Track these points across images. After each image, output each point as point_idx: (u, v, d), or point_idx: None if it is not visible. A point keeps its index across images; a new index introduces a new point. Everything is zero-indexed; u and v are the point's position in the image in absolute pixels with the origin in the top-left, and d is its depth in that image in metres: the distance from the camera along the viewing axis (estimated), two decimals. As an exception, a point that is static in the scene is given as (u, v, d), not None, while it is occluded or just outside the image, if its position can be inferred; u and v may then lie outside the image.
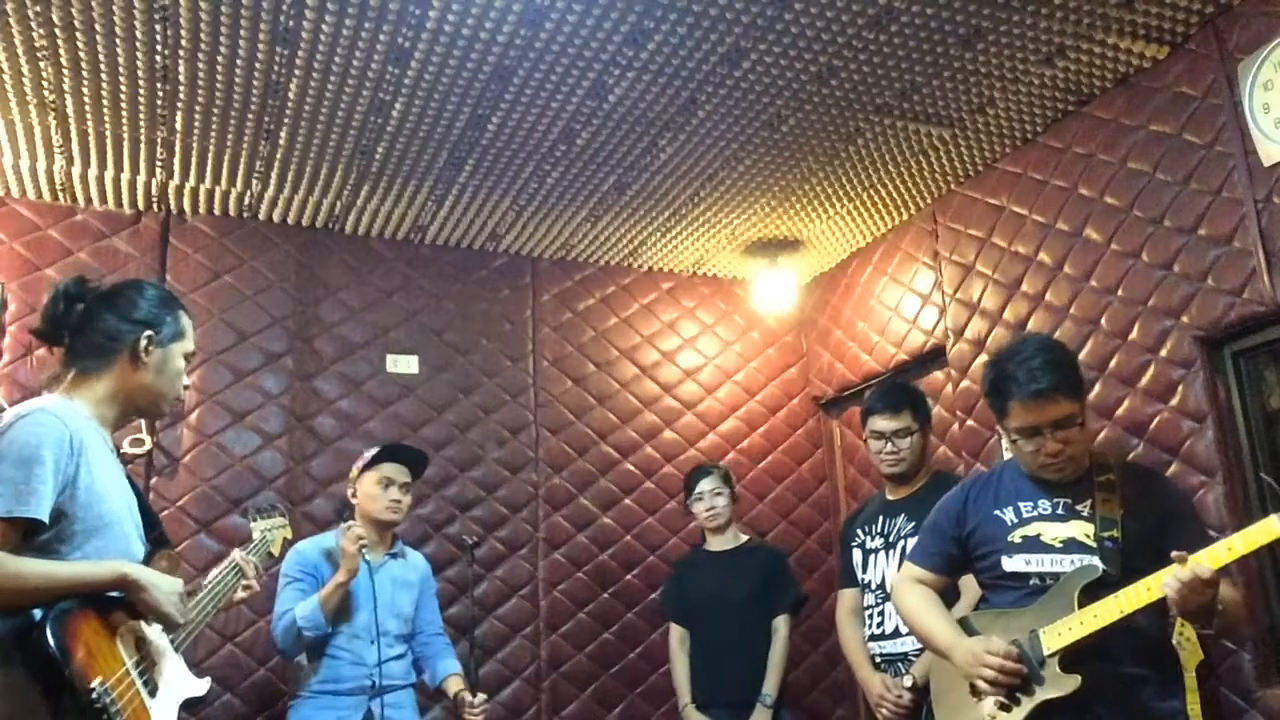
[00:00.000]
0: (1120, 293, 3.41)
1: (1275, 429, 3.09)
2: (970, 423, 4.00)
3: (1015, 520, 2.46)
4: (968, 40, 3.17)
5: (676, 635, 3.88)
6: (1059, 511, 2.42)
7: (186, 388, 2.30)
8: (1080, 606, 2.25)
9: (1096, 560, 2.30)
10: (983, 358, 3.99)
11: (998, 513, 2.49)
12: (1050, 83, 3.45)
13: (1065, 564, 2.35)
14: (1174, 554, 2.10)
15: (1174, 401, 3.22)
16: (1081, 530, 2.36)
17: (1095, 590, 2.26)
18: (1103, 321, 3.46)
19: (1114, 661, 2.27)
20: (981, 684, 2.30)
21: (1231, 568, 2.18)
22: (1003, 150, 3.91)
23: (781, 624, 3.75)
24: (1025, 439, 2.39)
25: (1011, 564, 2.43)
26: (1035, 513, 2.44)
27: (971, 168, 4.04)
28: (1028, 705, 2.28)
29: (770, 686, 3.65)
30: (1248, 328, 3.07)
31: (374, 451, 3.42)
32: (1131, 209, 3.39)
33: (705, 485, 3.90)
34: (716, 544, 3.92)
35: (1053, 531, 2.40)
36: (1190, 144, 3.20)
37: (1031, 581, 2.40)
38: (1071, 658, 2.24)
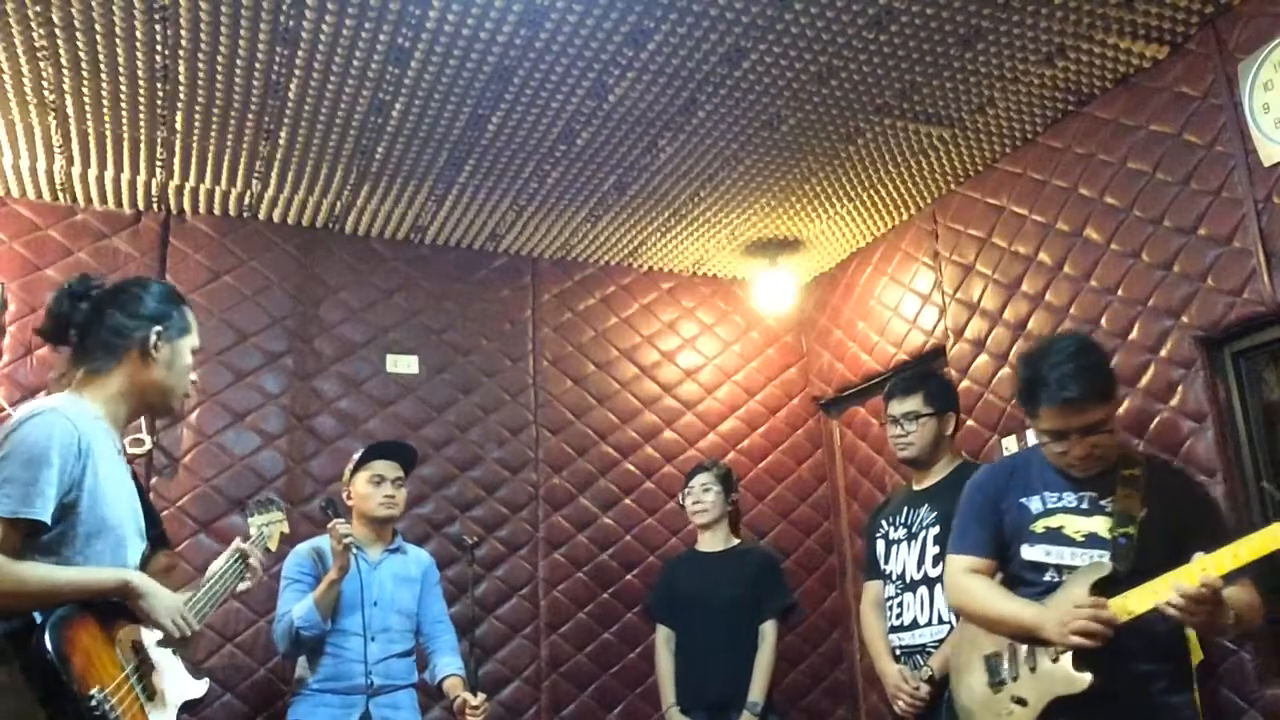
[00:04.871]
0: (1120, 293, 3.41)
1: (1275, 429, 3.10)
2: (971, 423, 4.00)
3: (1041, 509, 2.45)
4: (968, 40, 3.17)
5: (662, 635, 3.85)
6: (1084, 506, 2.41)
7: (194, 382, 2.29)
8: None
9: (1107, 557, 2.30)
10: (983, 358, 3.99)
11: (1024, 500, 2.48)
12: (1050, 83, 3.45)
13: (1083, 559, 2.35)
14: (1196, 555, 2.11)
15: (1174, 401, 3.22)
16: (1105, 526, 2.36)
17: (1106, 586, 2.26)
18: (1103, 321, 3.46)
19: (1126, 658, 2.27)
20: (1077, 640, 2.23)
21: (1249, 571, 2.19)
22: (1003, 150, 3.91)
23: (769, 629, 3.65)
24: (1054, 440, 2.39)
25: (1032, 553, 2.43)
26: (1060, 504, 2.44)
27: (971, 168, 4.04)
28: (1041, 702, 2.30)
29: (757, 693, 3.56)
30: (1248, 328, 3.07)
31: (361, 452, 3.44)
32: (1131, 209, 3.39)
33: (696, 481, 3.86)
34: (706, 544, 3.87)
35: (1076, 525, 2.40)
36: (1190, 144, 3.20)
37: (1048, 575, 2.39)
38: (1084, 655, 2.24)
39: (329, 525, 3.18)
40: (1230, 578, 2.12)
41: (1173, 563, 2.17)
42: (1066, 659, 2.26)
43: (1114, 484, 2.39)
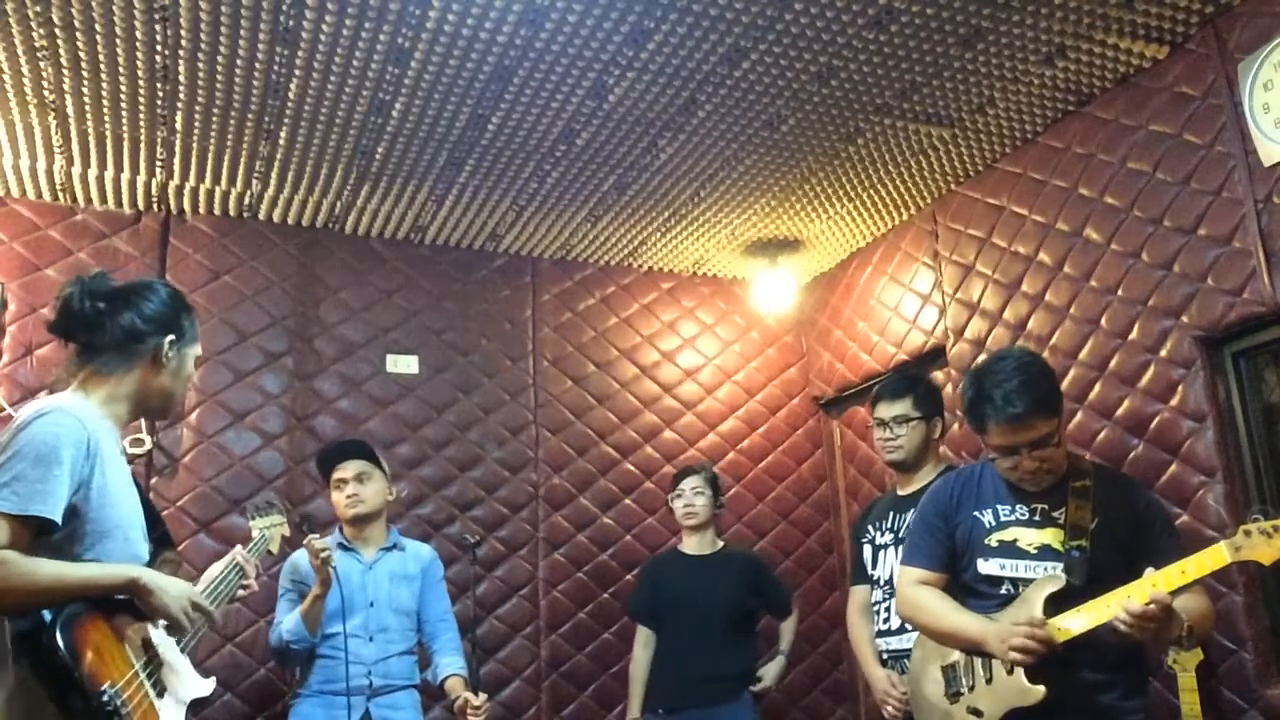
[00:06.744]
0: (1120, 293, 3.41)
1: (1275, 429, 3.09)
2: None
3: (994, 523, 2.49)
4: (968, 40, 3.17)
5: (642, 637, 3.86)
6: (1035, 518, 2.46)
7: (193, 383, 2.30)
8: (1046, 616, 2.30)
9: (1060, 569, 2.34)
10: (983, 358, 3.99)
11: (977, 514, 2.52)
12: (1050, 83, 3.45)
13: (1038, 570, 2.40)
14: (1147, 571, 2.18)
15: (1174, 401, 3.22)
16: (1056, 537, 2.41)
17: (1061, 598, 2.30)
18: (1103, 321, 3.46)
19: (1078, 668, 2.31)
20: (1015, 656, 2.28)
21: (1204, 580, 2.24)
22: (1003, 150, 3.91)
23: (790, 621, 3.91)
24: (1003, 456, 2.44)
25: (987, 567, 2.47)
26: (1013, 517, 2.48)
27: (971, 168, 4.04)
28: (997, 713, 2.33)
29: (785, 645, 3.85)
30: (1248, 328, 3.07)
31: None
32: (1131, 209, 3.38)
33: (687, 484, 3.88)
34: (692, 546, 3.89)
35: (1029, 537, 2.44)
36: (1190, 144, 3.20)
37: (1004, 589, 2.43)
38: (1038, 666, 2.28)
39: (304, 542, 3.17)
40: (1180, 589, 2.17)
41: (1125, 572, 2.23)
42: (1020, 671, 2.30)
43: (1065, 496, 2.43)
